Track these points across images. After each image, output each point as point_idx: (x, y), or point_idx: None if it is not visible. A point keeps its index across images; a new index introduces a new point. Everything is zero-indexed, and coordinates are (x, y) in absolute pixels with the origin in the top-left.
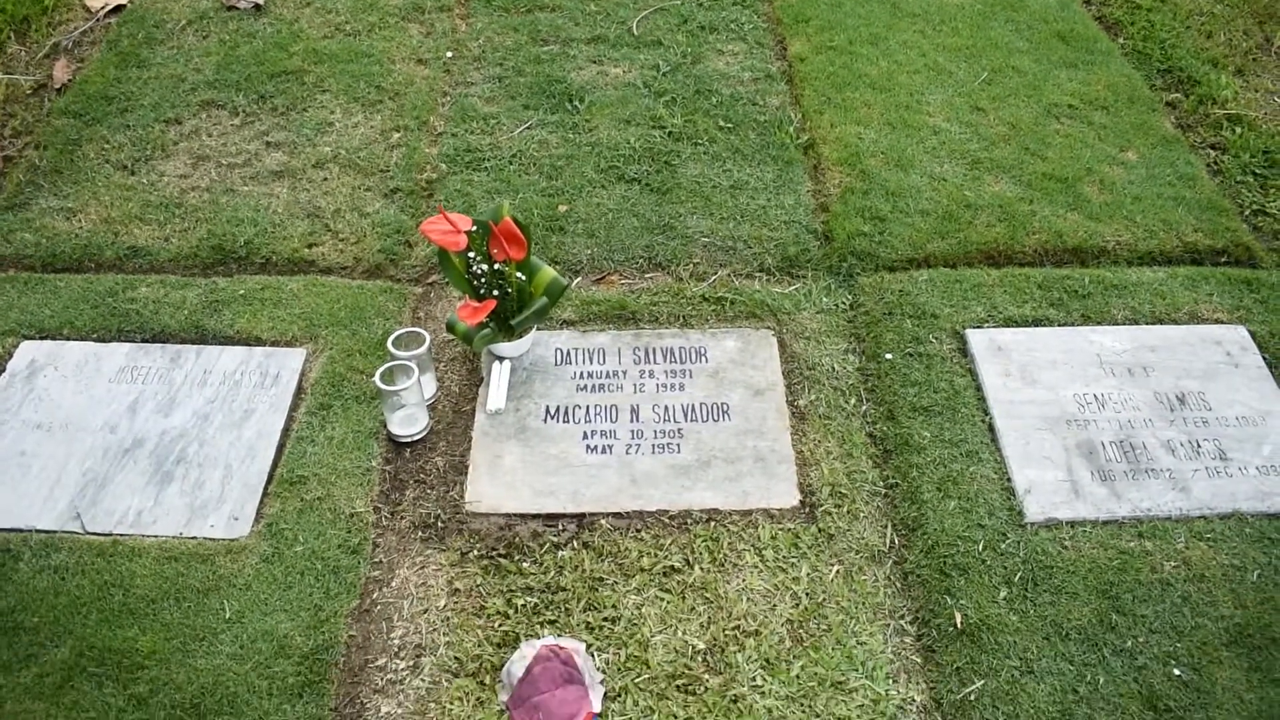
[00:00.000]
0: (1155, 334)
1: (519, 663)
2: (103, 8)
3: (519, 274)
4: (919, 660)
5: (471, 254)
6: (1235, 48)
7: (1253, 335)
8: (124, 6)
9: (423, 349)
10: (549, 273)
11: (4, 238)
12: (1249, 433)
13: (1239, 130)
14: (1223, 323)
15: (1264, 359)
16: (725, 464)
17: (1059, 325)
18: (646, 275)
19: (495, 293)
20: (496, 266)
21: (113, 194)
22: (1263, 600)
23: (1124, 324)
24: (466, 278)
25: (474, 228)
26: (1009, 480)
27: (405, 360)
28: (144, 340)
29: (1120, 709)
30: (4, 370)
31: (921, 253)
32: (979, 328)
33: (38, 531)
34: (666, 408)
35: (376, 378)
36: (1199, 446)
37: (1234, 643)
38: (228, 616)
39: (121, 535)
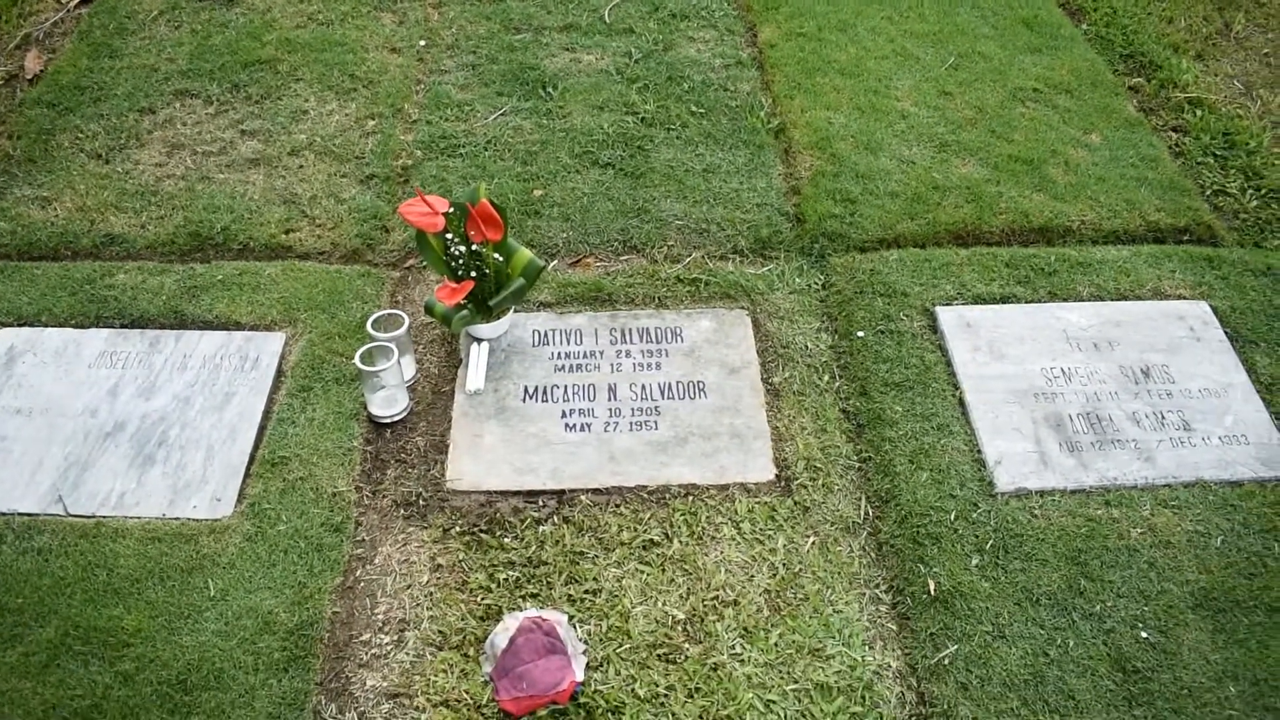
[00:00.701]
0: (1120, 310)
1: (502, 635)
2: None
3: (496, 255)
4: (894, 627)
5: (449, 235)
6: (1196, 33)
7: (1214, 310)
8: None
9: (402, 330)
10: (526, 254)
11: None
12: (1211, 404)
13: (1200, 113)
14: (1185, 299)
15: (1225, 333)
16: (702, 440)
17: (1026, 302)
18: (622, 258)
19: (473, 274)
20: (474, 248)
21: (88, 182)
22: (1226, 565)
23: (1089, 300)
24: (444, 259)
25: (451, 209)
26: (979, 452)
27: (384, 342)
28: (123, 326)
29: (1090, 670)
30: None
31: (891, 233)
32: (948, 305)
33: (20, 515)
34: (644, 386)
35: (356, 359)
36: (1163, 418)
37: (1199, 606)
38: (212, 594)
39: (104, 517)
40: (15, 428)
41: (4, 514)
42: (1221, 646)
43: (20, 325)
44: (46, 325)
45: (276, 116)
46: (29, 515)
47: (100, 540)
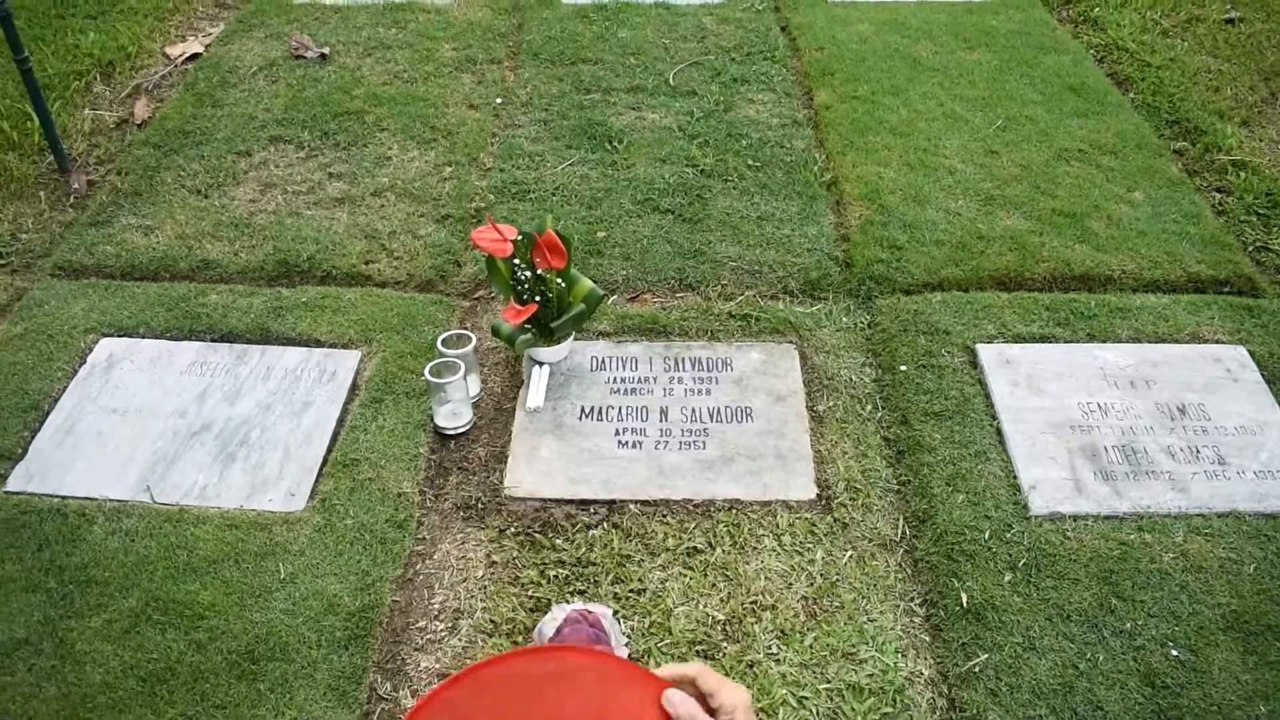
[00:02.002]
0: (1157, 351)
1: (550, 623)
2: (181, 55)
3: (560, 281)
4: (927, 639)
5: (516, 261)
6: (1241, 102)
7: (1252, 354)
8: (200, 54)
9: (469, 348)
10: (587, 284)
11: (87, 250)
12: (1247, 441)
13: (1243, 174)
14: (1223, 343)
15: (1262, 375)
16: (747, 460)
17: (1065, 342)
18: (677, 295)
19: (537, 298)
20: (539, 273)
21: (187, 214)
22: (1259, 591)
23: (1127, 342)
24: (511, 283)
25: (519, 237)
26: (1015, 478)
27: (453, 357)
28: (213, 340)
29: (1120, 684)
30: (85, 362)
31: (936, 278)
32: (989, 343)
33: (110, 500)
34: (694, 410)
35: (426, 372)
36: (1198, 452)
37: (1230, 629)
38: (282, 577)
39: (187, 505)
40: (110, 425)
41: (96, 499)
42: (1253, 668)
43: (120, 336)
44: (143, 337)
45: (362, 162)
46: (119, 501)
47: (183, 525)
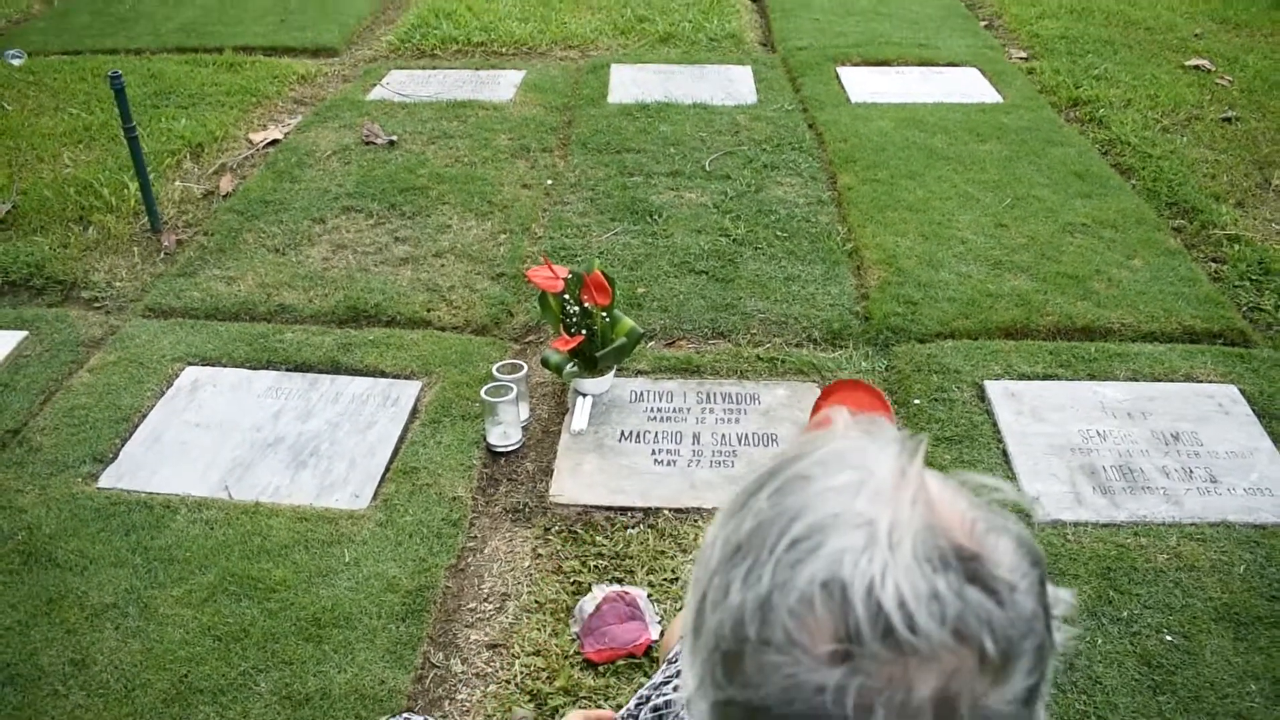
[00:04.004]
0: (1153, 388)
1: (589, 602)
2: (262, 140)
3: (604, 315)
4: None
5: (566, 297)
6: (1236, 186)
7: (1243, 392)
8: (279, 140)
9: (521, 374)
10: (629, 322)
11: (175, 295)
12: (1238, 463)
13: (1238, 246)
14: (1215, 383)
15: (1252, 409)
16: None
17: (1067, 380)
18: (710, 342)
19: (583, 331)
20: (586, 307)
21: (266, 268)
22: (1249, 588)
23: (1125, 380)
24: (560, 316)
25: (570, 275)
26: (1019, 491)
27: (506, 382)
28: (288, 370)
29: (1117, 663)
30: (171, 385)
31: (948, 328)
32: (996, 380)
33: (193, 496)
34: (724, 435)
35: (483, 392)
36: (1191, 472)
37: (1222, 618)
38: (347, 561)
39: (262, 501)
40: (193, 436)
41: (179, 495)
42: (1243, 653)
43: (203, 365)
44: (225, 366)
45: (425, 229)
46: (200, 497)
47: (258, 517)
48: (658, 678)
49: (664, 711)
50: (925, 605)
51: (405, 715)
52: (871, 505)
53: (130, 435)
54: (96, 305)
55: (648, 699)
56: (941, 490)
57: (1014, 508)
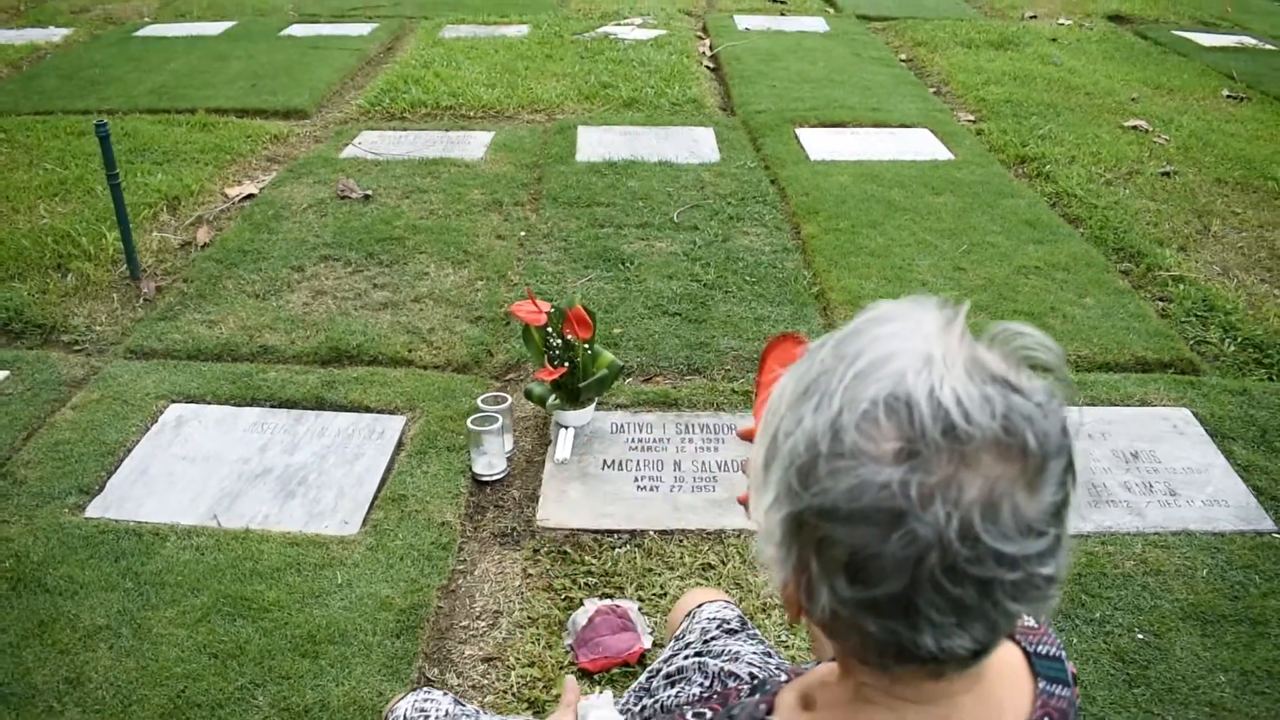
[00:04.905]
0: (1111, 412)
1: (582, 615)
2: (238, 195)
3: (586, 348)
4: None
5: (549, 330)
6: (1178, 233)
7: (1195, 415)
8: (255, 195)
9: (505, 405)
10: (609, 356)
11: (157, 337)
12: (1195, 478)
13: (1182, 286)
14: (1169, 406)
15: (1205, 430)
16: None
17: None
18: (686, 377)
19: (565, 363)
20: (568, 340)
21: (247, 312)
22: (1212, 590)
23: (1084, 405)
24: (543, 349)
25: (552, 310)
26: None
27: (491, 412)
28: (273, 406)
29: (1093, 659)
30: (156, 421)
31: None
32: None
33: (181, 524)
34: (704, 462)
35: (469, 421)
36: (1151, 486)
37: (1189, 618)
38: (339, 582)
39: (252, 529)
40: (180, 469)
41: (168, 524)
42: (1210, 648)
43: (188, 402)
44: (209, 403)
45: (403, 276)
46: (189, 525)
47: (248, 542)
48: (666, 652)
49: (677, 678)
50: (979, 404)
51: (425, 690)
52: (925, 343)
53: (116, 468)
54: (77, 348)
55: (658, 670)
56: (982, 338)
57: (1043, 362)
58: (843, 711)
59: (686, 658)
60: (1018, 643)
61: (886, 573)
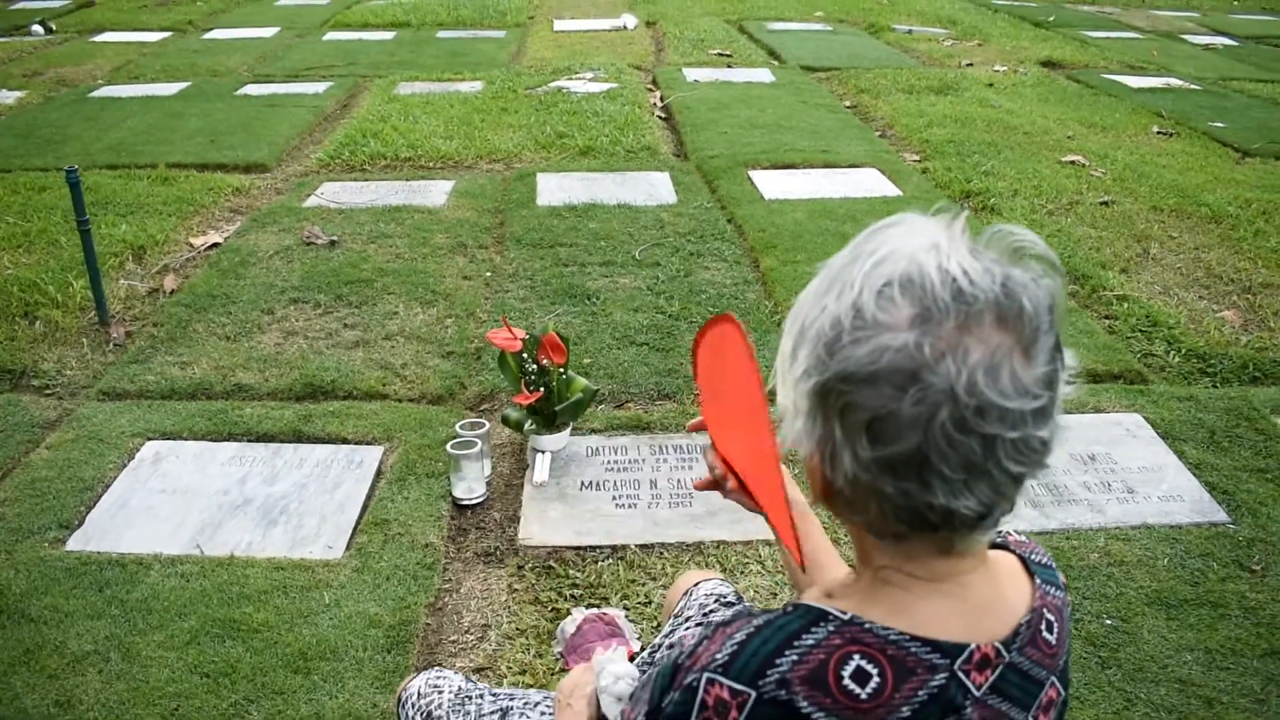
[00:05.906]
0: (1067, 418)
1: (570, 624)
2: (203, 244)
3: (561, 373)
4: None
5: (525, 356)
6: (1119, 256)
7: (1146, 419)
8: (220, 244)
9: (483, 430)
10: (582, 381)
11: (129, 379)
12: (1150, 476)
13: (1127, 304)
14: (1121, 412)
15: (1156, 433)
16: (730, 513)
17: None
18: (656, 402)
19: (541, 388)
20: (544, 365)
21: (220, 353)
22: (1173, 577)
23: None
24: (519, 375)
25: (527, 337)
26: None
27: (470, 437)
28: (250, 440)
29: None
30: (133, 458)
31: None
32: None
33: (165, 554)
34: (679, 480)
35: (448, 446)
36: (1110, 485)
37: (1153, 604)
38: (327, 603)
39: (236, 555)
40: (160, 501)
41: (151, 553)
42: (1175, 630)
43: (164, 439)
44: (186, 439)
45: (373, 316)
46: (172, 555)
47: (233, 568)
48: (666, 628)
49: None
50: (981, 273)
51: (437, 669)
52: (931, 236)
53: (95, 503)
54: (48, 391)
55: (660, 645)
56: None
57: (1034, 252)
58: (862, 595)
59: (687, 628)
60: (1014, 552)
61: (903, 430)
